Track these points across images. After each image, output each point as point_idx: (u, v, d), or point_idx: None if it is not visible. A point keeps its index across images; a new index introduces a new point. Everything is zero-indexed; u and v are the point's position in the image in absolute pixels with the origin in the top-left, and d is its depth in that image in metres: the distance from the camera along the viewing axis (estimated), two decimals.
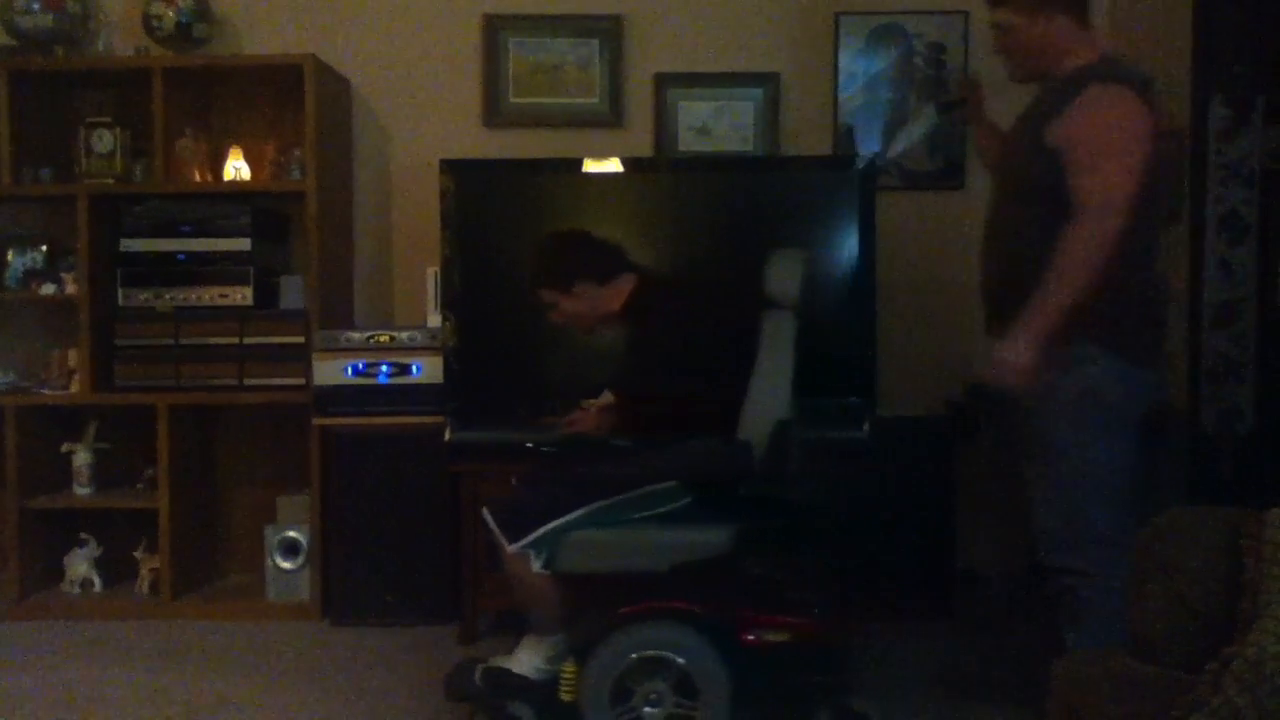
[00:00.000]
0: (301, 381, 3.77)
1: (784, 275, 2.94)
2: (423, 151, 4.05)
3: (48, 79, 3.97)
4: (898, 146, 3.02)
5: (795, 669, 2.76)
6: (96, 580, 3.92)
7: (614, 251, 3.08)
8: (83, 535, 3.92)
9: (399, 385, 3.72)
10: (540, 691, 2.73)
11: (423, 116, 4.15)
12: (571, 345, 3.69)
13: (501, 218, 3.71)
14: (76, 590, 3.91)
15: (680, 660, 2.63)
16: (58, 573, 3.94)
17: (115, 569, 3.94)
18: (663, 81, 4.12)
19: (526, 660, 2.79)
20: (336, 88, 4.01)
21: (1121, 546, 2.40)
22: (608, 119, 4.11)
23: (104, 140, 3.86)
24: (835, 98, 4.13)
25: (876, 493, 3.73)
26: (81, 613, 3.81)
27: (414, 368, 3.72)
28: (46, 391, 3.89)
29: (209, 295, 3.80)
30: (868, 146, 4.10)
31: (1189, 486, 3.55)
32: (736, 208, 3.72)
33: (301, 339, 3.78)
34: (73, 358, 3.87)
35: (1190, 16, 3.54)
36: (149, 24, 3.91)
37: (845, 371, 3.64)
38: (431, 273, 3.83)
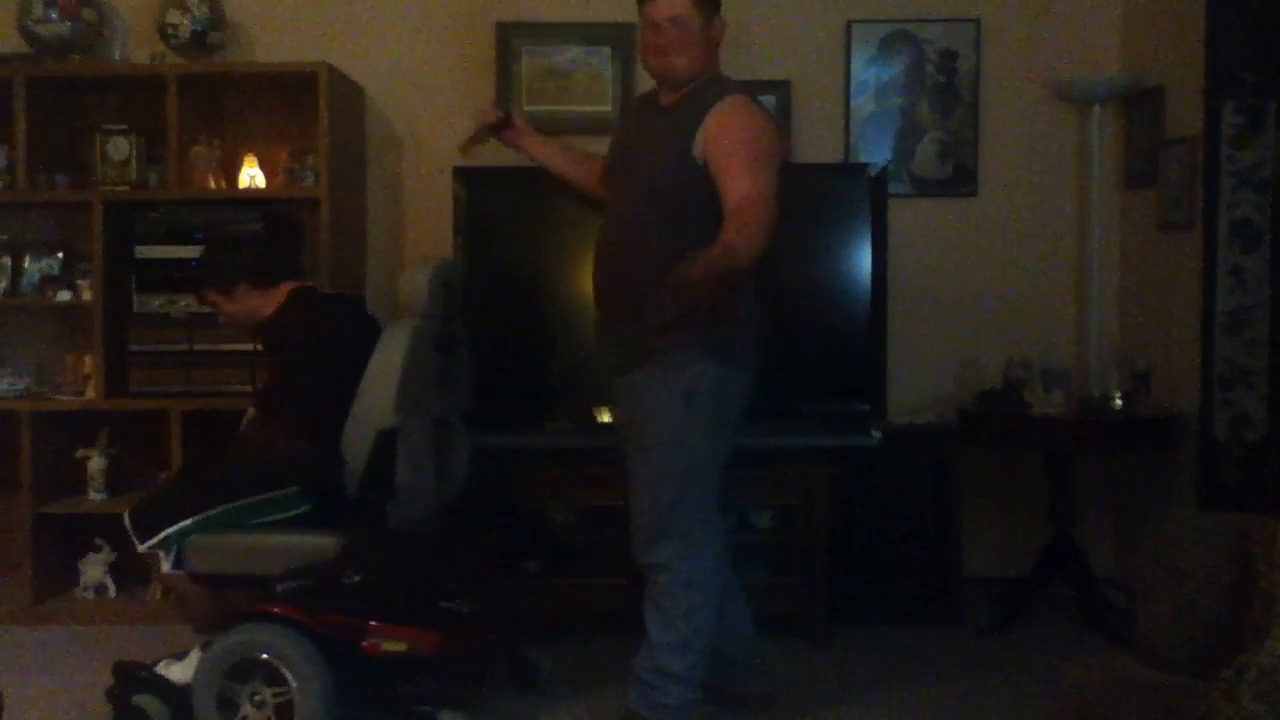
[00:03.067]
0: None
1: (412, 285, 2.98)
2: (435, 159, 4.07)
3: (64, 86, 4.00)
4: (463, 149, 3.18)
5: (412, 678, 2.83)
6: (110, 585, 3.93)
7: (280, 259, 3.22)
8: (97, 540, 3.93)
9: None
10: (179, 692, 2.81)
11: (435, 124, 4.16)
12: (581, 350, 3.71)
13: (513, 225, 3.72)
14: (90, 595, 3.93)
15: (279, 665, 2.69)
16: (72, 578, 3.96)
17: (129, 574, 3.96)
18: None
19: (191, 662, 2.87)
20: (350, 95, 4.03)
21: (705, 540, 2.67)
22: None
23: (119, 147, 3.88)
24: (847, 105, 4.14)
25: (885, 499, 3.74)
26: (95, 618, 3.83)
27: None
28: (61, 397, 3.92)
29: None
30: (879, 153, 4.10)
31: (1199, 493, 3.54)
32: None
33: None
34: (87, 363, 3.90)
35: (1202, 23, 3.54)
36: (164, 31, 3.94)
37: (855, 378, 3.64)
38: None
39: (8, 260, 3.94)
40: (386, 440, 2.85)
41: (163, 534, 2.84)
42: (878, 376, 3.64)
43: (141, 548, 2.87)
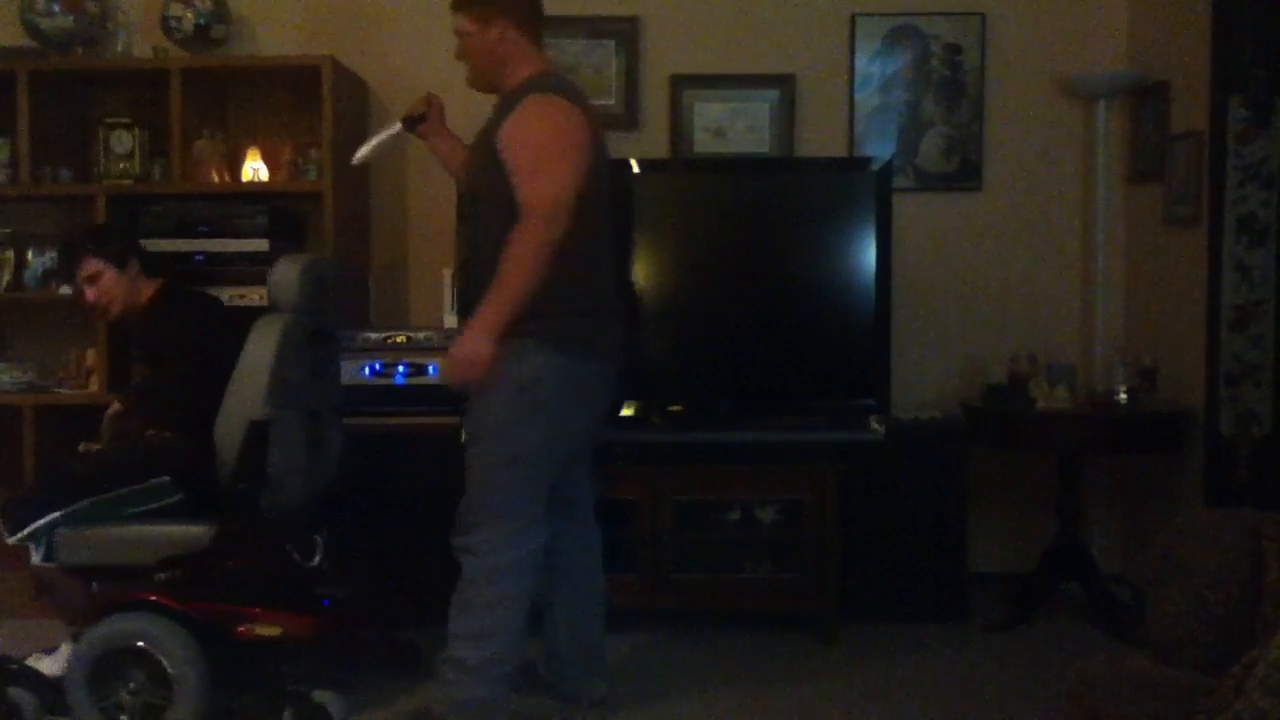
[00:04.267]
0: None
1: (283, 280, 3.02)
2: None
3: (67, 80, 3.99)
4: (357, 158, 3.21)
5: (287, 662, 2.92)
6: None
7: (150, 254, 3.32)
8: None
9: (415, 386, 3.72)
10: (51, 683, 2.85)
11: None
12: None
13: None
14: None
15: (154, 653, 2.74)
16: None
17: None
18: (678, 83, 4.12)
19: (62, 655, 2.90)
20: (354, 89, 4.02)
21: (522, 532, 2.69)
22: (624, 120, 4.11)
23: (122, 141, 3.88)
24: (851, 99, 4.13)
25: (890, 495, 3.73)
26: None
27: (431, 368, 3.73)
28: (64, 391, 3.91)
29: (226, 295, 3.79)
30: (884, 148, 4.09)
31: (1206, 489, 3.53)
32: (752, 209, 3.72)
33: None
34: (90, 357, 3.90)
35: (1209, 18, 3.53)
36: (167, 25, 3.93)
37: (860, 374, 3.64)
38: (448, 274, 3.84)
39: (11, 254, 3.95)
40: (258, 431, 2.90)
41: (31, 527, 2.89)
42: (882, 372, 3.64)
43: (11, 540, 2.92)
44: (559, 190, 2.62)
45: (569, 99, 2.73)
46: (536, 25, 2.84)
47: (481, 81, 2.88)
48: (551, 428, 2.73)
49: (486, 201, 2.77)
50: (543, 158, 2.64)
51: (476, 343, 2.60)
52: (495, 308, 2.60)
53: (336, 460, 3.24)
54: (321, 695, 2.82)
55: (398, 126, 3.14)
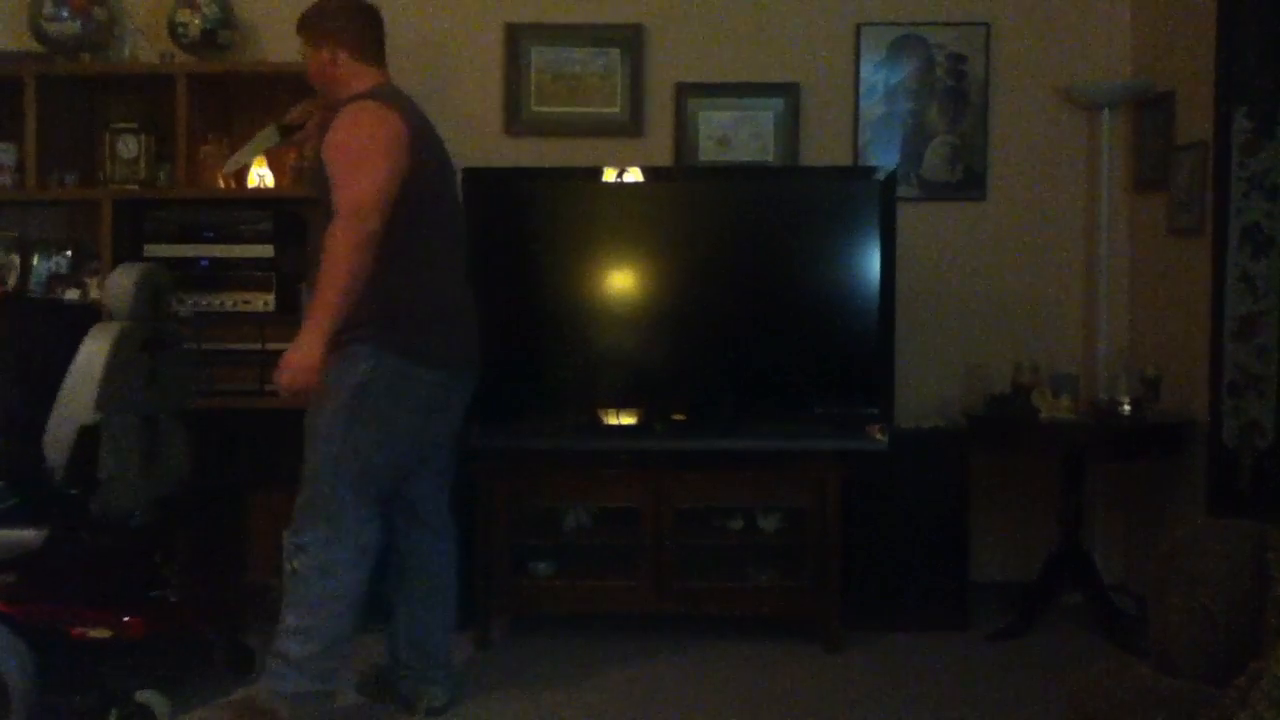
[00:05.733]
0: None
1: (117, 288, 3.04)
2: None
3: (74, 85, 4.00)
4: (231, 165, 3.24)
5: (118, 663, 2.95)
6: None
7: None
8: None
9: None
10: None
11: (444, 125, 4.08)
12: (591, 353, 3.71)
13: (522, 226, 3.72)
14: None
15: None
16: None
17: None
18: (683, 91, 4.13)
19: None
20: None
21: (353, 531, 2.73)
22: (628, 128, 4.12)
23: (128, 145, 3.89)
24: (856, 108, 4.14)
25: (892, 503, 3.73)
26: None
27: None
28: None
29: (231, 300, 3.82)
30: (888, 157, 4.10)
31: (1209, 499, 3.53)
32: (756, 218, 3.73)
33: None
34: None
35: (1213, 29, 3.53)
36: (174, 30, 3.94)
37: (863, 382, 3.64)
38: None
39: (17, 258, 3.95)
40: (89, 436, 2.92)
41: None
42: (886, 380, 3.64)
43: None
44: (368, 190, 2.67)
45: (388, 105, 2.80)
46: (371, 46, 2.96)
47: (324, 98, 2.99)
48: (382, 432, 2.78)
49: (323, 212, 2.83)
50: (355, 161, 2.72)
51: (305, 349, 2.65)
52: (318, 313, 2.66)
53: (181, 466, 3.26)
54: (145, 695, 2.87)
55: (274, 134, 3.18)
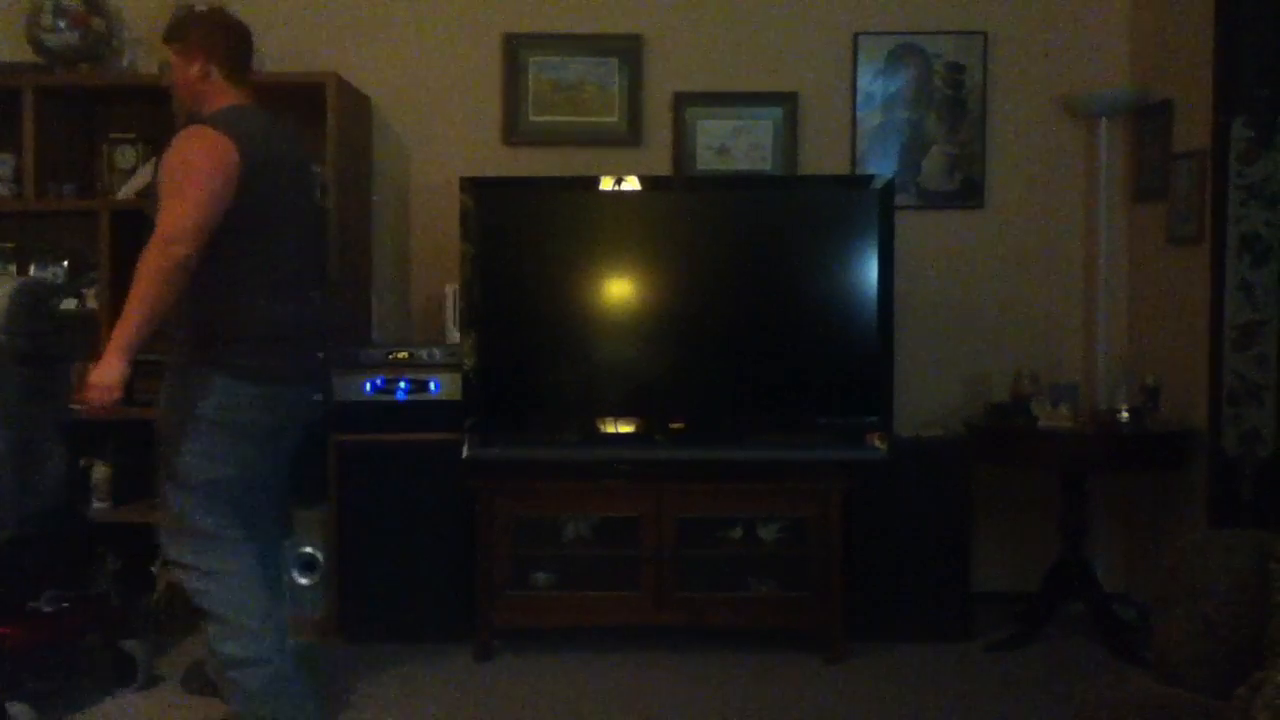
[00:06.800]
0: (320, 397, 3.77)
1: None
2: (442, 169, 4.08)
3: (72, 96, 4.00)
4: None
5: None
6: (114, 594, 3.91)
7: None
8: (100, 549, 3.91)
9: (417, 402, 3.72)
10: None
11: (443, 134, 4.17)
12: (590, 363, 3.71)
13: (521, 236, 3.72)
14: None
15: None
16: None
17: (133, 583, 3.93)
18: (681, 100, 4.13)
19: None
20: (357, 106, 4.03)
21: (221, 539, 2.84)
22: (627, 138, 4.13)
23: (127, 156, 3.90)
24: (854, 117, 4.14)
25: (893, 513, 3.73)
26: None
27: (432, 385, 3.73)
28: (70, 406, 3.90)
29: None
30: (886, 166, 4.10)
31: (1210, 509, 3.52)
32: (755, 227, 3.72)
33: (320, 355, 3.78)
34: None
35: (1211, 38, 3.54)
36: None
37: (863, 391, 3.64)
38: (451, 290, 3.85)
39: (14, 268, 3.95)
40: None
41: None
42: (885, 389, 3.63)
43: None
44: (182, 217, 2.70)
45: (223, 132, 2.78)
46: (241, 63, 2.98)
47: (183, 110, 3.04)
48: (233, 452, 2.84)
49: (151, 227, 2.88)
50: (177, 186, 2.75)
51: (106, 366, 2.69)
52: (121, 330, 2.70)
53: (60, 483, 3.23)
54: (15, 708, 2.87)
55: None
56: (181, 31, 2.95)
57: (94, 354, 3.83)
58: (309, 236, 3.05)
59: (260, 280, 2.86)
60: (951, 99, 4.14)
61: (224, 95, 2.92)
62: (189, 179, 2.74)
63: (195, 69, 2.91)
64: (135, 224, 3.87)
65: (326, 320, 3.11)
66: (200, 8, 3.39)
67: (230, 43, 2.96)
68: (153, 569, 3.83)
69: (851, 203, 3.71)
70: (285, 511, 3.22)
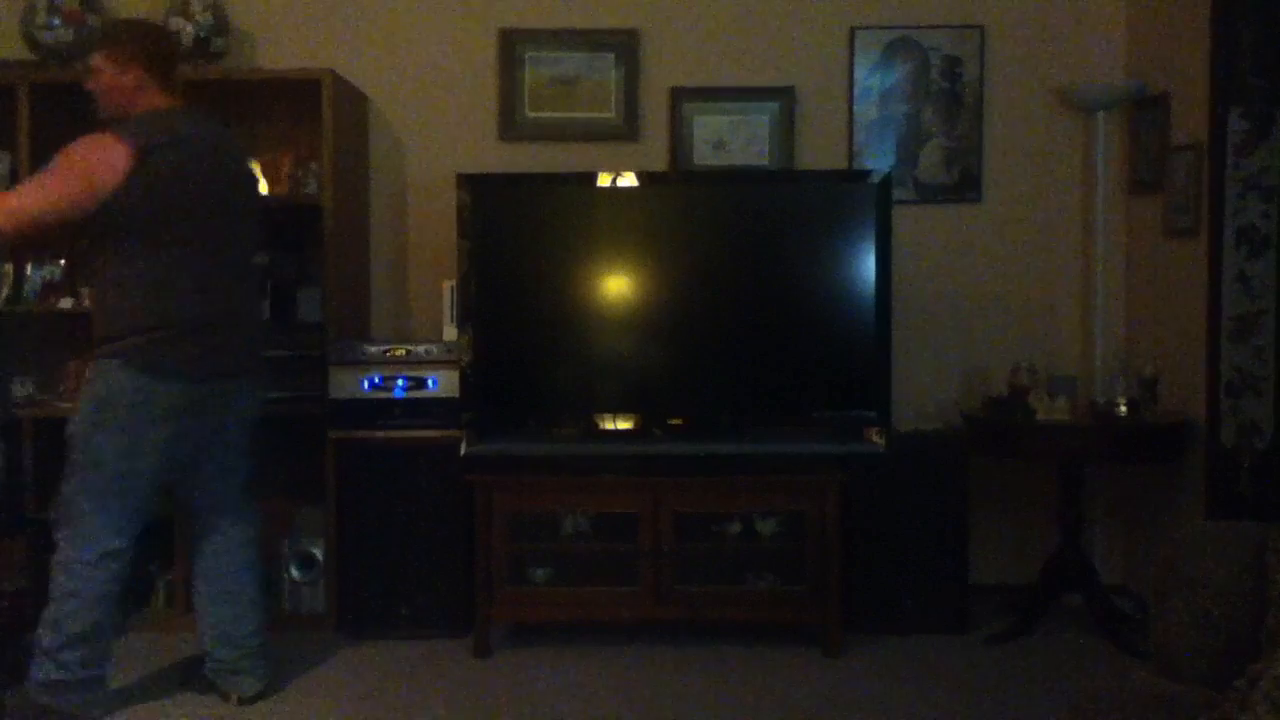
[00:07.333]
0: (317, 394, 3.77)
1: None
2: (439, 165, 4.08)
3: (67, 93, 3.96)
4: None
5: None
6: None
7: None
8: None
9: (415, 398, 3.72)
10: None
11: (439, 130, 4.17)
12: (588, 359, 3.71)
13: (518, 231, 3.71)
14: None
15: None
16: None
17: (131, 582, 3.92)
18: (678, 95, 4.13)
19: None
20: (354, 102, 4.03)
21: (94, 536, 2.92)
22: (624, 133, 4.12)
23: None
24: (851, 111, 4.14)
25: (891, 506, 3.73)
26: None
27: (430, 381, 3.73)
28: (64, 404, 3.89)
29: None
30: (883, 160, 4.10)
31: (1207, 501, 3.52)
32: (752, 222, 3.72)
33: (318, 352, 3.78)
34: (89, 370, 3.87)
35: (1208, 30, 3.53)
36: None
37: (860, 385, 3.63)
38: (448, 286, 3.84)
39: (10, 267, 3.94)
40: None
41: None
42: (883, 383, 3.63)
43: None
44: (28, 202, 2.82)
45: (121, 139, 2.85)
46: (169, 70, 3.06)
47: (108, 114, 3.05)
48: (124, 444, 2.90)
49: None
50: (47, 173, 2.86)
51: None
52: None
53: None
54: None
55: None
56: (114, 40, 3.02)
57: (89, 352, 3.87)
58: (233, 235, 3.08)
59: (169, 276, 2.92)
60: (949, 93, 4.14)
61: (152, 99, 3.00)
62: (57, 175, 2.84)
63: (129, 77, 3.00)
64: None
65: (249, 318, 3.16)
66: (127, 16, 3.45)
67: (162, 50, 3.05)
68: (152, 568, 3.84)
69: (849, 197, 3.70)
70: (235, 506, 3.23)
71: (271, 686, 3.25)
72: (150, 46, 3.02)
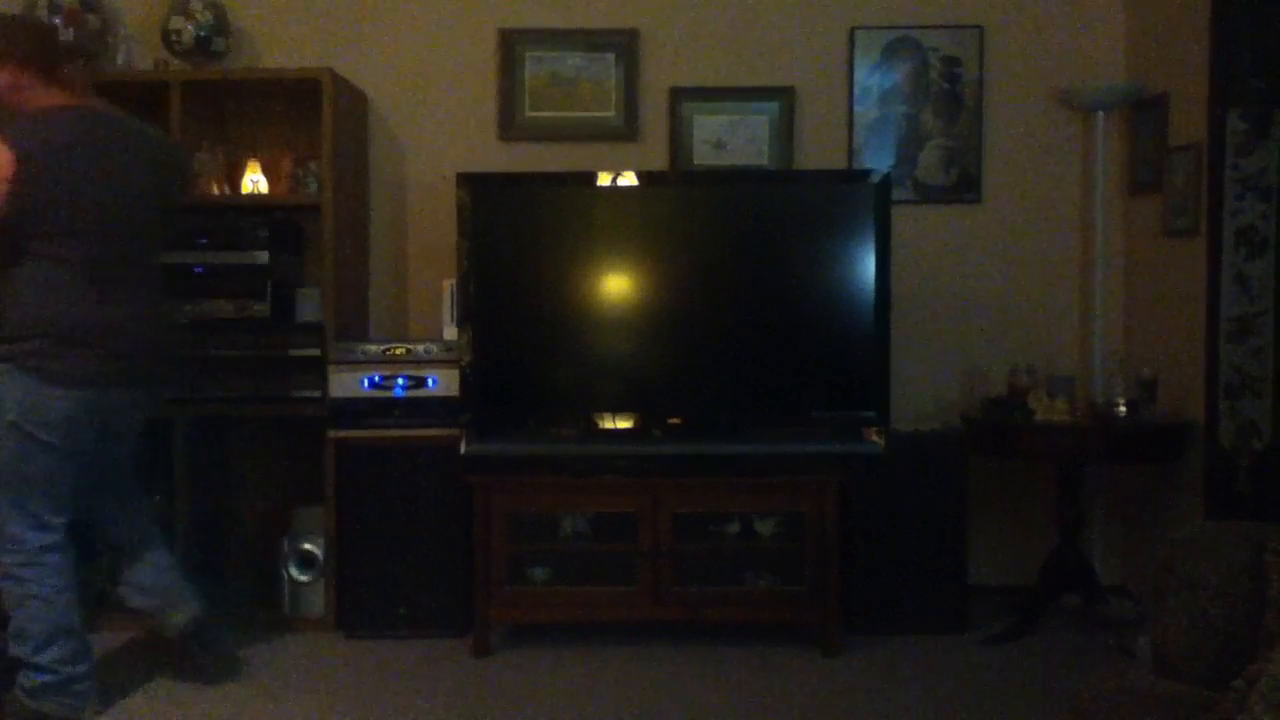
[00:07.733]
0: (317, 394, 3.78)
1: None
2: (439, 165, 4.08)
3: None
4: None
5: None
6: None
7: None
8: (99, 547, 3.91)
9: (415, 398, 3.73)
10: None
11: (439, 130, 4.17)
12: (587, 359, 3.71)
13: (517, 231, 3.71)
14: (91, 602, 3.90)
15: None
16: None
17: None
18: (678, 95, 4.13)
19: None
20: (353, 101, 4.03)
21: (21, 539, 2.93)
22: (623, 133, 4.12)
23: None
24: (850, 112, 4.14)
25: (890, 507, 3.73)
26: (97, 624, 3.80)
27: (430, 381, 3.73)
28: None
29: (226, 308, 3.81)
30: (882, 160, 4.10)
31: (1206, 501, 3.53)
32: (752, 222, 3.72)
33: (318, 352, 3.78)
34: None
35: (1207, 31, 3.54)
36: (168, 38, 3.94)
37: (860, 386, 3.64)
38: (448, 286, 3.85)
39: None
40: None
41: None
42: (882, 384, 3.63)
43: None
44: None
45: (12, 141, 2.82)
46: (51, 64, 3.01)
47: (2, 115, 3.02)
48: (25, 448, 2.91)
49: None
50: None
51: None
52: None
53: None
54: None
55: None
56: None
57: None
58: (134, 235, 3.05)
59: (62, 281, 2.90)
60: (948, 93, 4.14)
61: (38, 98, 2.96)
62: None
63: (4, 78, 2.95)
64: None
65: (153, 321, 3.12)
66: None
67: (37, 46, 2.99)
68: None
69: (848, 197, 3.70)
70: (142, 517, 3.29)
71: (202, 611, 3.28)
72: (25, 45, 2.96)
